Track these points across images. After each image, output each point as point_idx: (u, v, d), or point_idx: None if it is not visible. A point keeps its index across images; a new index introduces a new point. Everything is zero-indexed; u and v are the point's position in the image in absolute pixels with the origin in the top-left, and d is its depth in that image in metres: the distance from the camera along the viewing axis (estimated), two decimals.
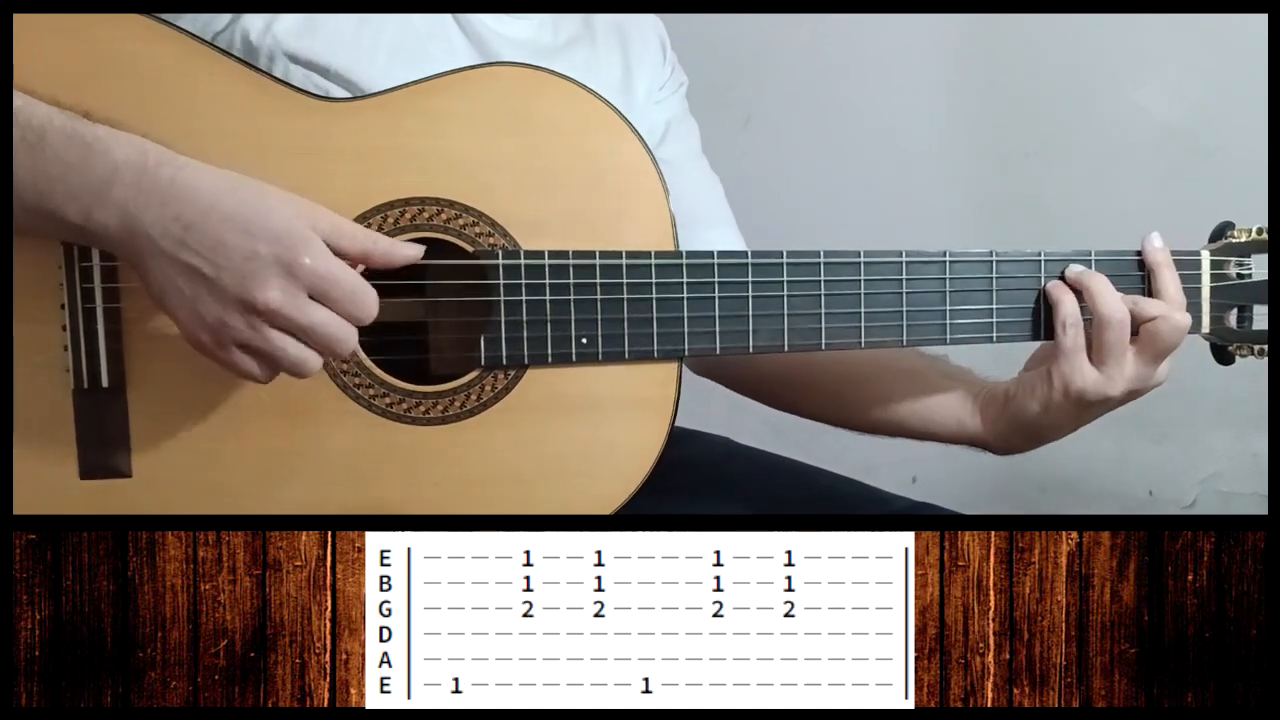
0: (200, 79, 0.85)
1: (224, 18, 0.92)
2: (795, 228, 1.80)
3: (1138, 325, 0.94)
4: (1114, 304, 0.93)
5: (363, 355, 0.88)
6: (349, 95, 0.92)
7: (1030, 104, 1.82)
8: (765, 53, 1.88)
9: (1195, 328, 0.97)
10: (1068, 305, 0.94)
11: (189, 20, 0.89)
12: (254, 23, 0.92)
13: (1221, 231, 1.00)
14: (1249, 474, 1.78)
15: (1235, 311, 0.99)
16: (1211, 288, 0.98)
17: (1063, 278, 0.96)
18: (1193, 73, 1.73)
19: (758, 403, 1.21)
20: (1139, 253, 0.97)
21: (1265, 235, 0.98)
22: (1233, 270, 0.98)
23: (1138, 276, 0.97)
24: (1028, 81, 1.82)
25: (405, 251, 0.85)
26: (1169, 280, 0.95)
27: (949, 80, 1.85)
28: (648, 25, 1.17)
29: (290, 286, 0.80)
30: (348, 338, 0.82)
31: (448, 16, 1.01)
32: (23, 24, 0.82)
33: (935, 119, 1.86)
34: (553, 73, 0.90)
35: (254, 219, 0.80)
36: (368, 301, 0.83)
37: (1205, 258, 0.98)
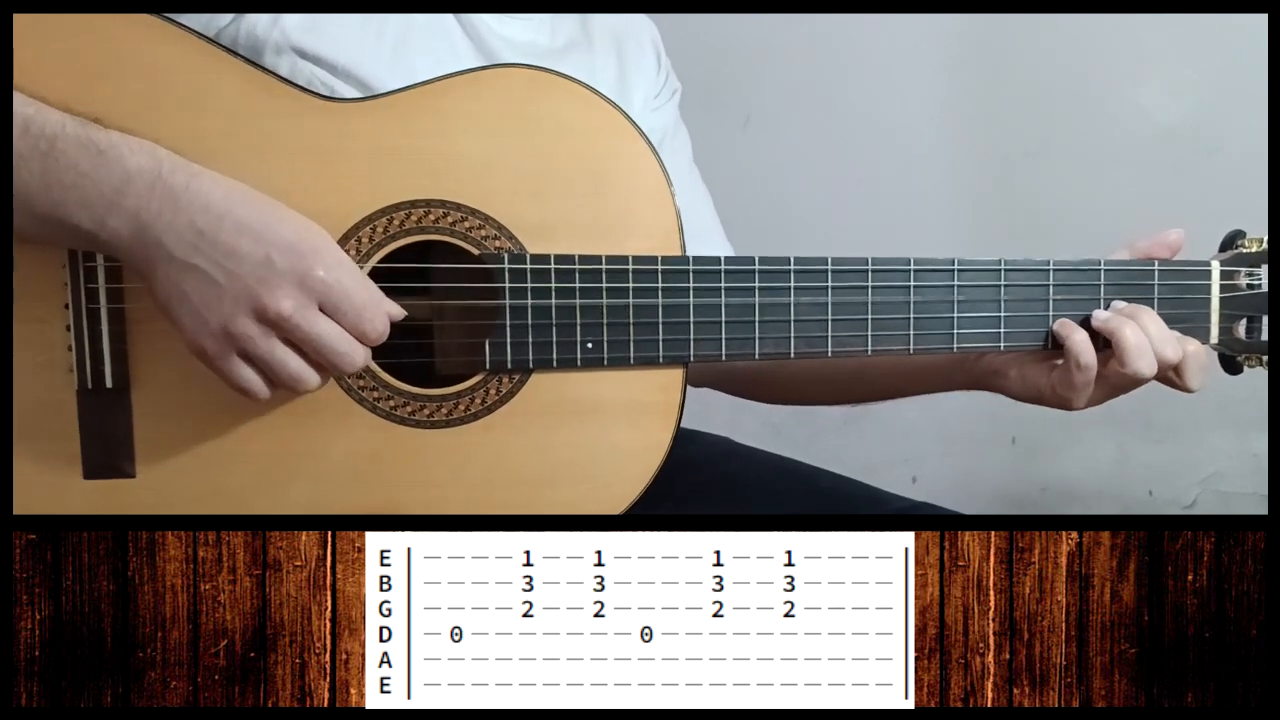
0: (207, 79, 0.85)
1: (228, 13, 0.92)
2: (795, 227, 1.80)
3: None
4: (1149, 365, 0.92)
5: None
6: (356, 93, 0.92)
7: (1030, 104, 1.82)
8: (765, 53, 1.88)
9: (1204, 338, 0.96)
10: (1081, 344, 0.93)
11: (191, 15, 0.89)
12: (260, 17, 0.92)
13: (1232, 240, 0.98)
14: (1249, 474, 1.79)
15: (1244, 322, 0.97)
16: (1221, 298, 0.97)
17: (1088, 321, 0.94)
18: (1193, 73, 1.73)
19: (756, 402, 1.21)
20: (1150, 262, 0.96)
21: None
22: (1243, 280, 0.97)
23: (1147, 285, 0.96)
24: (1028, 81, 1.82)
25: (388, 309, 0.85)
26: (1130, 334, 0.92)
27: (949, 80, 1.85)
28: (643, 32, 1.16)
29: (302, 297, 0.80)
30: (352, 353, 0.82)
31: (449, 16, 1.01)
32: (30, 28, 0.82)
33: (935, 119, 1.86)
34: (560, 74, 0.90)
35: (267, 229, 0.80)
36: (377, 320, 0.83)
37: (1215, 268, 0.97)
